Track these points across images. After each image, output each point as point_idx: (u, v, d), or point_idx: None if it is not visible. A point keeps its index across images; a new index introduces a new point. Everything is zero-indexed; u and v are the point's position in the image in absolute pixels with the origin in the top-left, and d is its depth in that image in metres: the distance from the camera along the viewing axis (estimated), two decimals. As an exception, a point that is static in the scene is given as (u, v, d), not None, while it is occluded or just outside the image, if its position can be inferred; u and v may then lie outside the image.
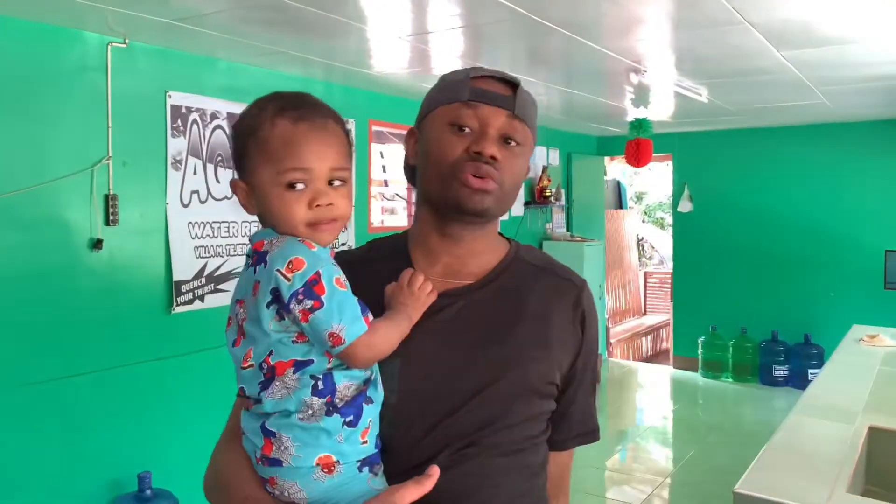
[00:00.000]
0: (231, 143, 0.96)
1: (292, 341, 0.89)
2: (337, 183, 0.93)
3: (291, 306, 0.86)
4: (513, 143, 1.03)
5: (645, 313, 9.02)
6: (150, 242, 3.10)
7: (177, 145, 3.18)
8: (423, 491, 0.88)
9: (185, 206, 3.22)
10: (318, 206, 0.91)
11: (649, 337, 8.15)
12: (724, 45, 3.09)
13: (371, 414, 0.93)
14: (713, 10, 2.53)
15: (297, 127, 0.90)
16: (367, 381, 0.93)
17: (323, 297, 0.86)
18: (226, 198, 3.39)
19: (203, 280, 3.30)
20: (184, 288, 3.21)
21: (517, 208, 5.76)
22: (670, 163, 6.92)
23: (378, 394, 0.95)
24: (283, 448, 0.89)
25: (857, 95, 4.44)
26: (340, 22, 2.73)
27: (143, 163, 3.06)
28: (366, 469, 0.92)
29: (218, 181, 3.36)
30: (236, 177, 0.97)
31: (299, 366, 0.89)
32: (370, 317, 0.91)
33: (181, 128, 3.19)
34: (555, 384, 1.04)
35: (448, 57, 3.39)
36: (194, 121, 3.24)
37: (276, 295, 0.87)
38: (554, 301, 1.06)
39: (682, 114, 5.31)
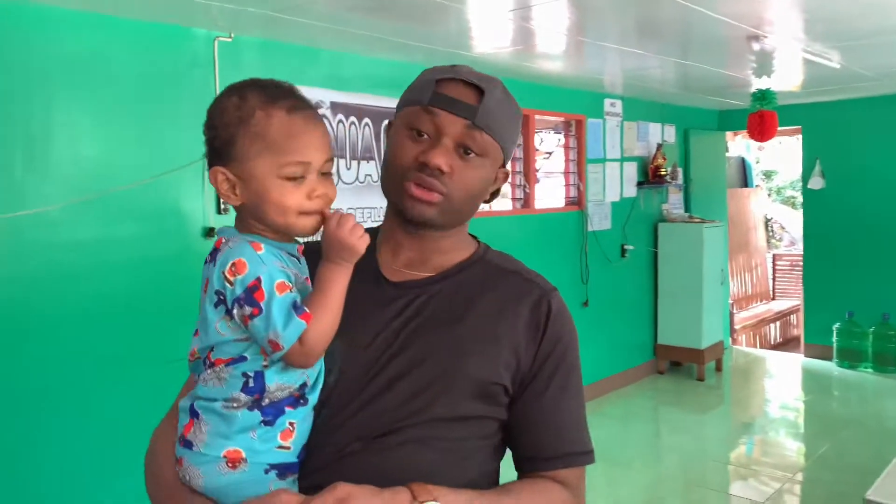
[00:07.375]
0: (208, 131, 0.92)
1: (234, 340, 0.90)
2: (326, 173, 0.94)
3: (234, 311, 0.88)
4: (471, 154, 1.00)
5: (773, 298, 8.50)
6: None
7: (282, 135, 3.25)
8: None
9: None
10: (316, 196, 0.92)
11: (778, 323, 7.67)
12: (855, 2, 2.81)
13: (295, 417, 0.92)
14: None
15: (293, 118, 0.90)
16: (303, 386, 0.93)
17: (262, 304, 0.86)
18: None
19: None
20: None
21: (629, 189, 5.53)
22: (800, 137, 6.44)
23: (314, 396, 0.95)
24: (199, 431, 0.91)
25: None
26: (439, 4, 2.69)
27: (251, 153, 3.16)
28: (273, 473, 0.91)
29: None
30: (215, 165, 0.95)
31: (234, 361, 0.90)
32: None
33: (286, 118, 3.25)
34: (500, 385, 0.99)
35: (552, 32, 3.28)
36: (298, 110, 3.30)
37: (221, 298, 0.89)
38: (511, 302, 1.03)
39: (811, 82, 4.94)
